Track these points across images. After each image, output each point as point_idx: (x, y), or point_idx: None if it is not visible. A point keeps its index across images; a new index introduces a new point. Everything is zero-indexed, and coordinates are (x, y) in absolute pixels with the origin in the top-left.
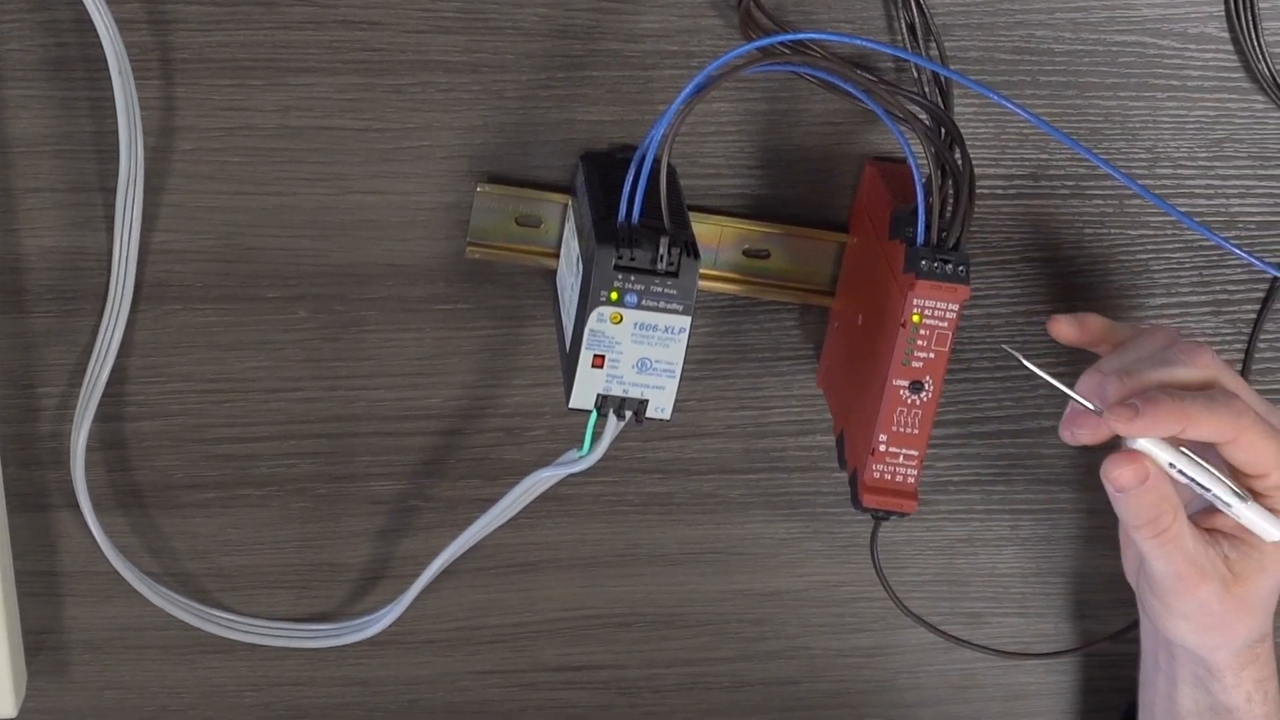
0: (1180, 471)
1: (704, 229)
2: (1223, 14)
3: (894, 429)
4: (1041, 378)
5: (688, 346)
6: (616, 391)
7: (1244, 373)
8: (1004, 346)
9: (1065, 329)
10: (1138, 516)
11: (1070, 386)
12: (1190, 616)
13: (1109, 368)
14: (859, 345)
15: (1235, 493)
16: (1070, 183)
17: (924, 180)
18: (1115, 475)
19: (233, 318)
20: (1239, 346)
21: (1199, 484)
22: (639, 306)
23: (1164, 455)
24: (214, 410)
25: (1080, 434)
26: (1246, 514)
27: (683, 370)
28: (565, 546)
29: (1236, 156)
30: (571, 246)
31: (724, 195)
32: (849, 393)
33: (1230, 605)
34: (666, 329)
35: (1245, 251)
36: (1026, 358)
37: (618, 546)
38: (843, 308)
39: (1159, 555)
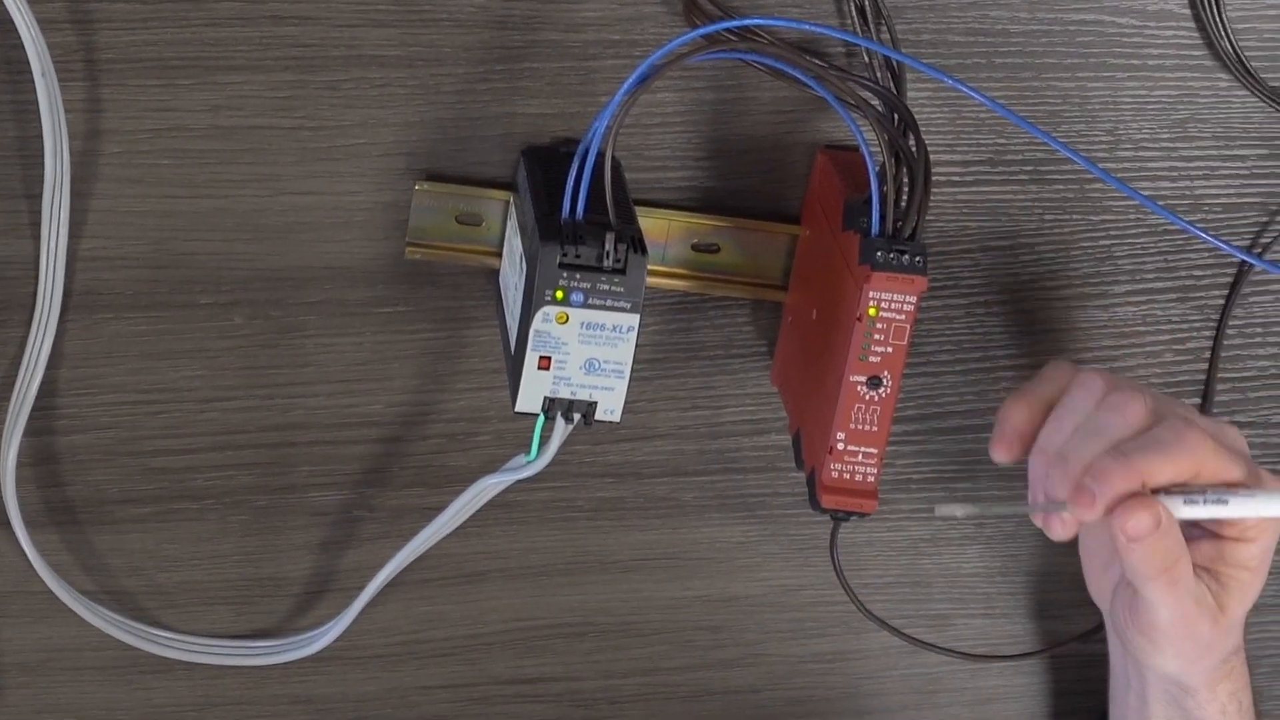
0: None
1: (651, 224)
2: None
3: (852, 426)
4: (999, 514)
5: (637, 345)
6: (564, 394)
7: (1212, 361)
8: (935, 508)
9: (1000, 453)
10: (1151, 566)
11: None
12: (1180, 652)
13: (1049, 448)
14: (814, 340)
15: (1243, 493)
16: (1029, 168)
17: (878, 168)
18: (1131, 526)
19: (165, 325)
20: (1207, 334)
21: (1213, 507)
22: (585, 305)
23: (1171, 500)
24: (148, 422)
25: (1060, 532)
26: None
27: (632, 370)
28: (514, 555)
29: (1200, 137)
30: (514, 245)
31: (671, 188)
32: (805, 390)
33: (1216, 634)
34: (614, 328)
35: (1211, 235)
36: (967, 502)
37: (568, 554)
38: (796, 302)
39: (1168, 601)
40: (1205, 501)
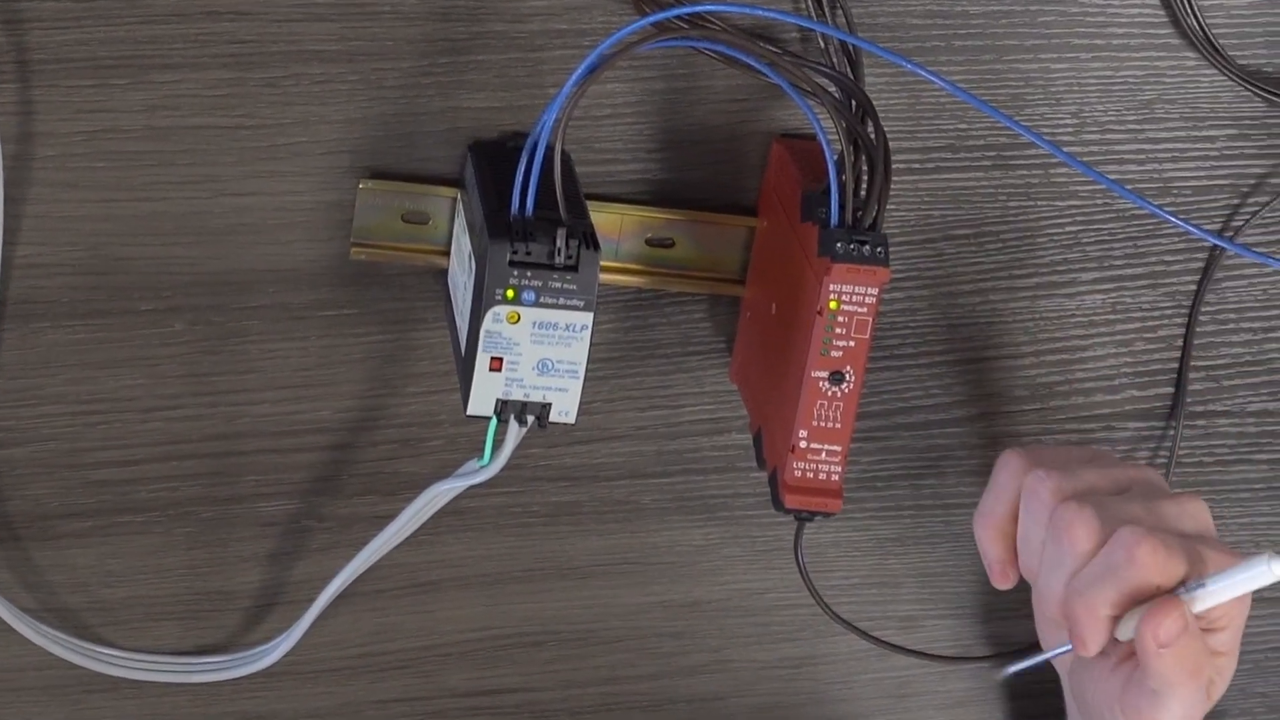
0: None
1: (603, 218)
2: None
3: (814, 424)
4: (1029, 665)
5: (591, 345)
6: (517, 396)
7: (1184, 349)
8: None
9: (1001, 584)
10: (1180, 671)
11: None
12: None
13: (1027, 574)
14: (774, 336)
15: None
16: (992, 153)
17: (836, 157)
18: (1162, 633)
19: (104, 334)
20: (1179, 321)
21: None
22: (537, 304)
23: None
24: (88, 433)
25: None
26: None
27: (587, 370)
28: (469, 563)
29: (1168, 118)
30: (463, 243)
31: (623, 182)
32: (765, 387)
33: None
34: (567, 327)
35: (1181, 219)
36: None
37: (525, 561)
38: (755, 296)
39: (1188, 704)
40: (1187, 592)
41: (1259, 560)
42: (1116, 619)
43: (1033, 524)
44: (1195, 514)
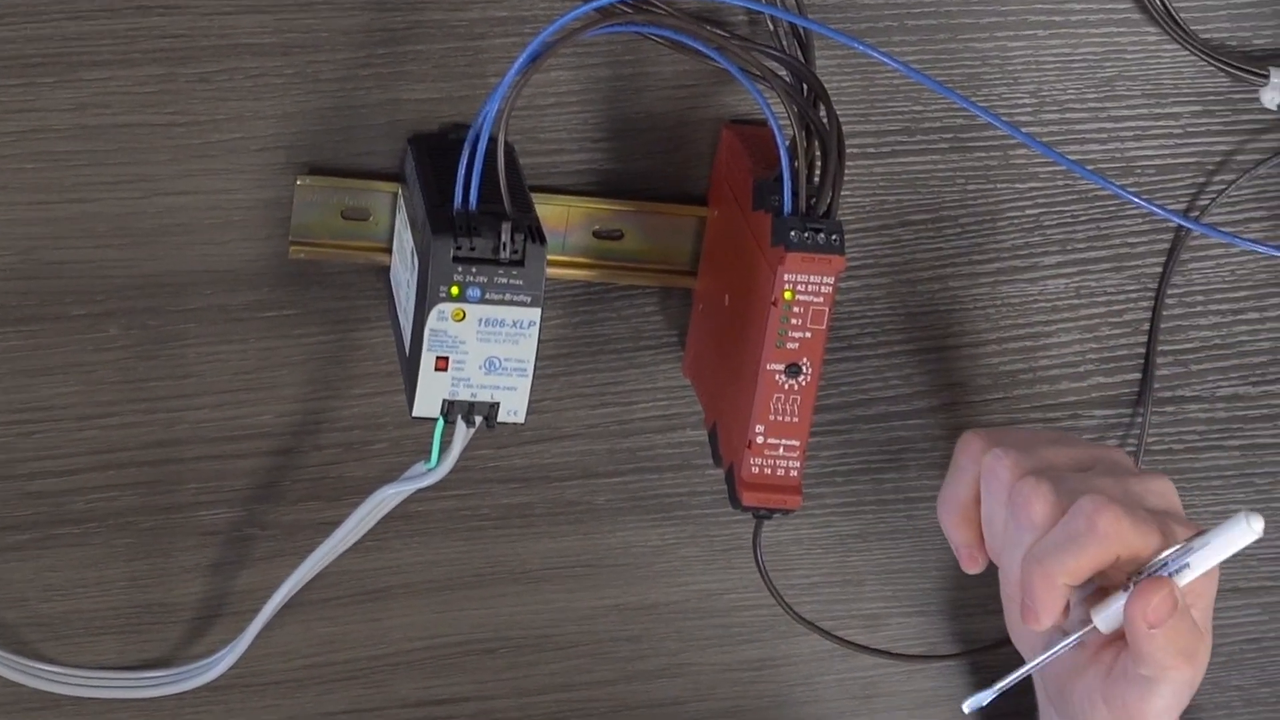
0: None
1: (549, 211)
2: None
3: (771, 418)
4: (996, 693)
5: (539, 341)
6: (464, 396)
7: (1151, 333)
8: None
9: (971, 569)
10: (1172, 653)
11: None
12: None
13: (992, 555)
14: (727, 328)
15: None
16: (948, 135)
17: (787, 143)
18: (1152, 613)
19: (37, 340)
20: (1145, 305)
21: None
22: (483, 301)
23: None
24: (22, 443)
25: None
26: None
27: (535, 368)
28: (418, 569)
29: (1130, 96)
30: (405, 239)
31: (569, 172)
32: (720, 381)
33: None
34: (515, 323)
35: (1145, 199)
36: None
37: (476, 565)
38: (707, 288)
39: (1180, 690)
40: (1169, 569)
41: (1237, 520)
42: (1074, 592)
43: (994, 504)
44: (1162, 492)
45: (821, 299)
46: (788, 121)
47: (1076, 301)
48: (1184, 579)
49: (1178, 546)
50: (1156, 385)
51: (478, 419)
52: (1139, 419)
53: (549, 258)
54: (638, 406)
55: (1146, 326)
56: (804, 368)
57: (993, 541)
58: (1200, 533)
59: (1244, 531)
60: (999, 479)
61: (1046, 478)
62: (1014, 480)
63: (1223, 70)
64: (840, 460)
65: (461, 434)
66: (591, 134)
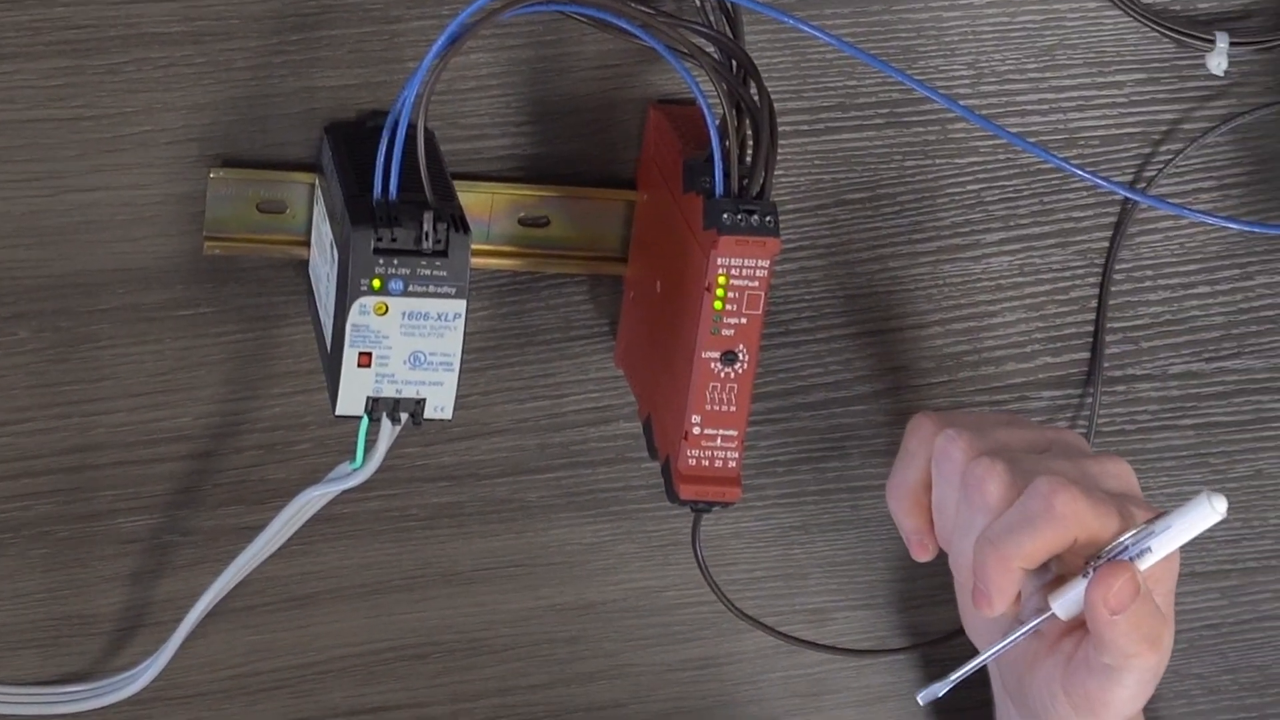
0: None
1: (472, 199)
2: None
3: (707, 408)
4: (951, 684)
5: (465, 334)
6: (389, 392)
7: (1099, 310)
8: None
9: (920, 556)
10: (1138, 640)
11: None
12: None
13: (942, 540)
14: (660, 316)
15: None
16: (884, 110)
17: (718, 122)
18: (1113, 598)
19: None
20: (1092, 281)
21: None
22: (406, 293)
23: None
24: None
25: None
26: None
27: (462, 362)
28: (346, 573)
29: (1071, 65)
30: (324, 231)
31: (492, 159)
32: (653, 371)
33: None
34: (439, 316)
35: (1090, 172)
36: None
37: (406, 568)
38: (638, 275)
39: (1143, 678)
40: (1130, 552)
41: (1199, 501)
42: (1029, 578)
43: (947, 487)
44: (1119, 474)
45: (756, 283)
46: (717, 100)
47: (1021, 279)
48: (1145, 563)
49: (1138, 529)
50: (1106, 364)
51: (403, 416)
52: (1089, 399)
53: (473, 247)
54: (569, 399)
55: (1094, 303)
56: (740, 355)
57: (944, 527)
58: (1160, 515)
59: (1206, 513)
60: (952, 460)
61: (1001, 458)
62: (967, 461)
63: (1167, 36)
64: (780, 450)
65: (387, 432)
66: (514, 118)
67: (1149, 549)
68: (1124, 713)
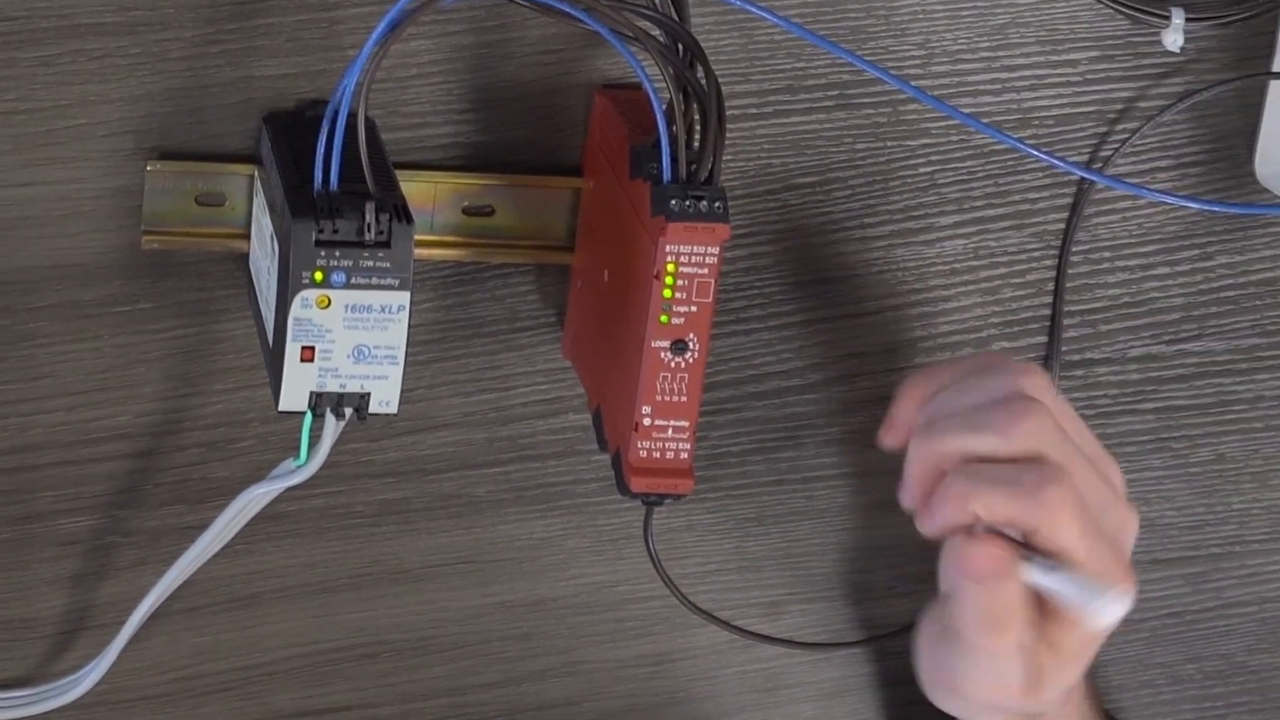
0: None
1: (415, 188)
2: None
3: (658, 398)
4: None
5: (410, 326)
6: (332, 387)
7: (1056, 293)
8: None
9: (888, 439)
10: (981, 620)
11: None
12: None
13: (920, 425)
14: (608, 305)
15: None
16: (834, 92)
17: (664, 107)
18: (966, 562)
19: None
20: (1049, 263)
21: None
22: (348, 286)
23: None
24: None
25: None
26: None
27: (407, 355)
28: (292, 572)
29: (1024, 43)
30: (263, 224)
31: (434, 147)
32: (602, 362)
33: (1028, 705)
34: (383, 308)
35: (1045, 152)
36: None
37: (352, 566)
38: (585, 264)
39: (1007, 671)
40: (1037, 568)
41: (1103, 589)
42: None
43: (978, 391)
44: (1128, 528)
45: (706, 270)
46: (663, 84)
47: (976, 263)
48: (1033, 574)
49: (1063, 566)
50: (1064, 348)
51: (348, 411)
52: None
53: (417, 238)
54: (516, 392)
55: (1051, 287)
56: (690, 344)
57: (932, 414)
58: (1095, 582)
59: (1099, 606)
60: (987, 379)
61: (1051, 417)
62: (1018, 389)
63: (1121, 12)
64: (733, 440)
65: (331, 428)
66: (457, 105)
67: (1053, 569)
68: (982, 701)
